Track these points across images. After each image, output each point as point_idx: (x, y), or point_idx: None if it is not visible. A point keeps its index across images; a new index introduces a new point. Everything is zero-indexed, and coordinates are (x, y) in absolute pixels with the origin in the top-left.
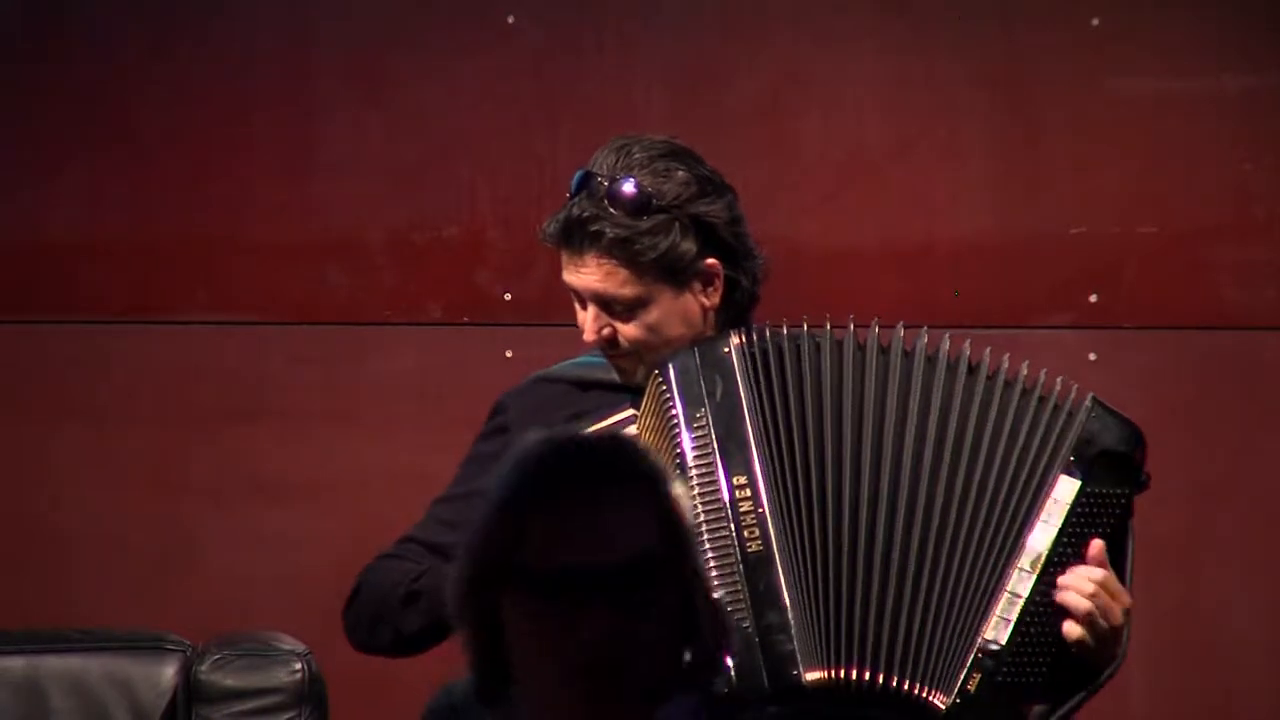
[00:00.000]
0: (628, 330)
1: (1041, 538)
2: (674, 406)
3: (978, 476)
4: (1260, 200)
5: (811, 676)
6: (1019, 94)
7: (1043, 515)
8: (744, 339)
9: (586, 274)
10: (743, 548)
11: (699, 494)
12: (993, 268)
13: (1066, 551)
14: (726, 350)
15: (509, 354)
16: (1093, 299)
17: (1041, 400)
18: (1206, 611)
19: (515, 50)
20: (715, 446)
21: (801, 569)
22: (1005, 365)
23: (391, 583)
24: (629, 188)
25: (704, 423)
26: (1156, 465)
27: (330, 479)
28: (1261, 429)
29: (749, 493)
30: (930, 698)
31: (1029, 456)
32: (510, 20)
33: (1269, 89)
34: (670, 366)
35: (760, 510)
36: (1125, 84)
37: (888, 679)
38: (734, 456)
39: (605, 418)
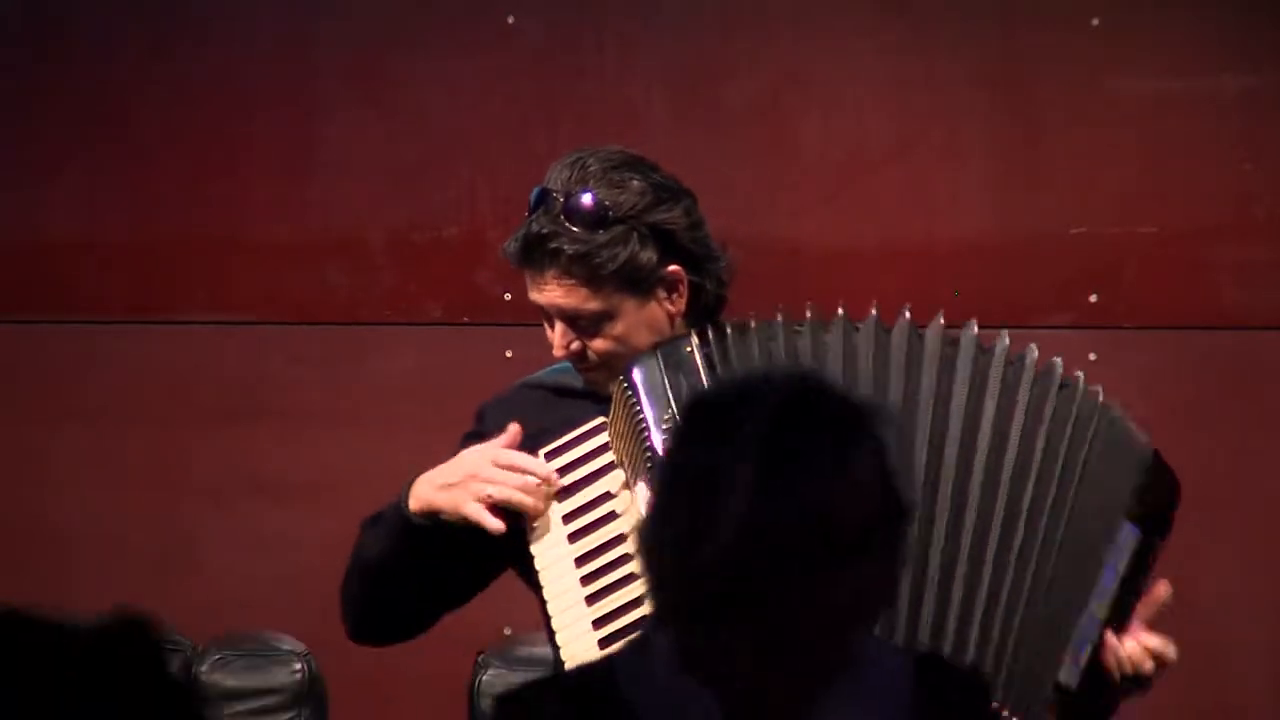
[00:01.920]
0: (596, 344)
1: (1109, 582)
2: (641, 410)
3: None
4: (1260, 200)
5: None
6: (1019, 94)
7: (1109, 559)
8: (704, 336)
9: (549, 291)
10: None
11: None
12: (993, 268)
13: (1128, 600)
14: (689, 349)
15: (509, 354)
16: (1093, 299)
17: (1111, 411)
18: (1206, 611)
19: (515, 50)
20: None
21: None
22: (1082, 381)
23: (365, 540)
24: (585, 200)
25: (672, 423)
26: None
27: (330, 479)
28: (1261, 429)
29: None
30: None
31: (1088, 491)
32: (510, 20)
33: (1269, 89)
34: (634, 371)
35: None
36: (1125, 84)
37: None
38: None
39: (576, 427)
